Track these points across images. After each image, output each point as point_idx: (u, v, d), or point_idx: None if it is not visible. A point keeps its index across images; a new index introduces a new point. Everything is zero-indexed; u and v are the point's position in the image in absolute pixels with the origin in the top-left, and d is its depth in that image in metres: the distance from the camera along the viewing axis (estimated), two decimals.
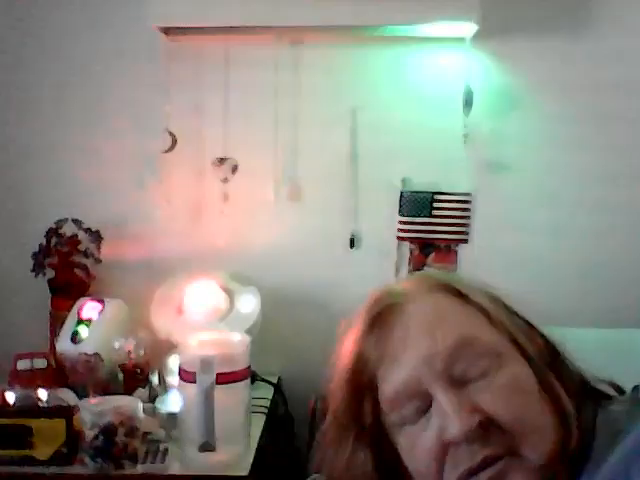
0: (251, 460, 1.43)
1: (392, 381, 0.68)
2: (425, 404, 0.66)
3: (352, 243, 1.96)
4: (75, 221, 1.93)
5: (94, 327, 1.75)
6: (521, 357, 0.68)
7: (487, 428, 0.62)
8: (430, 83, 1.91)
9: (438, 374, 0.66)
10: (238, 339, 1.46)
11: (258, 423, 1.60)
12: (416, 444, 0.66)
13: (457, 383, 0.65)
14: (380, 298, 0.73)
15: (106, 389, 1.64)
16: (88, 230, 1.93)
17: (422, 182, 1.94)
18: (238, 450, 1.41)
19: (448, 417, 0.63)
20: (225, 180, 1.92)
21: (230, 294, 1.83)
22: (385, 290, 0.75)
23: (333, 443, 0.74)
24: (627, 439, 0.60)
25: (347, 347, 0.73)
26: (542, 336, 0.72)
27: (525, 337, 0.70)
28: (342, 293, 1.89)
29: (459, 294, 0.72)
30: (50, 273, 1.91)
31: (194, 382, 1.34)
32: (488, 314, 0.70)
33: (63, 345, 1.71)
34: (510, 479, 0.62)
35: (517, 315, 0.73)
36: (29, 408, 1.45)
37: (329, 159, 1.95)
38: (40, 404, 1.46)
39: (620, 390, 0.73)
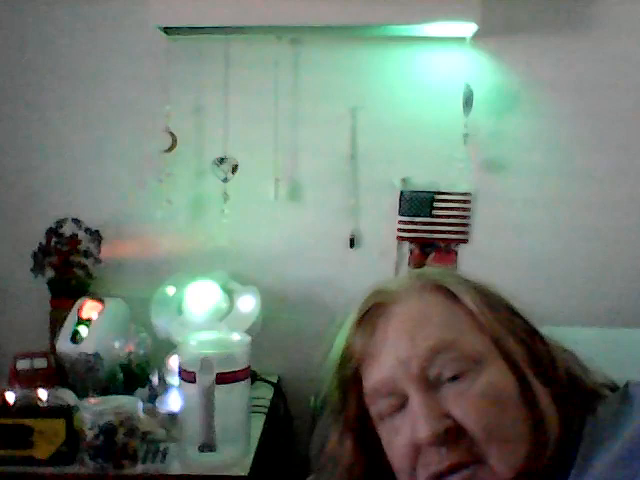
0: (251, 460, 1.43)
1: (371, 379, 0.70)
2: (401, 402, 0.68)
3: (352, 243, 1.96)
4: (75, 221, 1.93)
5: (94, 327, 1.74)
6: (503, 362, 0.68)
7: (456, 435, 0.63)
8: (430, 83, 1.91)
9: (413, 376, 0.67)
10: (238, 339, 1.46)
11: (258, 423, 1.60)
12: (393, 440, 0.68)
13: (431, 386, 0.66)
14: (371, 296, 0.75)
15: (106, 389, 1.64)
16: (88, 230, 1.93)
17: (422, 182, 1.94)
18: (238, 450, 1.41)
19: (417, 418, 0.65)
20: (225, 180, 1.92)
21: (230, 294, 1.83)
22: (377, 288, 0.76)
23: (327, 427, 0.77)
24: (614, 445, 0.60)
25: (338, 340, 0.75)
26: (536, 334, 0.72)
27: (513, 339, 0.69)
28: (342, 293, 1.89)
29: (450, 295, 0.72)
30: (50, 273, 1.91)
31: (194, 382, 1.34)
32: (475, 317, 0.70)
33: (63, 345, 1.71)
34: None
35: (510, 316, 0.72)
36: (29, 408, 1.44)
37: (329, 159, 1.95)
38: (40, 404, 1.46)
39: (616, 389, 0.73)
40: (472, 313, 0.70)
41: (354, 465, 0.73)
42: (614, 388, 0.72)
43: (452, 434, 0.63)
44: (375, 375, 0.70)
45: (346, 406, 0.73)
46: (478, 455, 0.63)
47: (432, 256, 1.95)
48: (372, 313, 0.73)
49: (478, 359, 0.67)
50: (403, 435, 0.66)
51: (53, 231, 1.92)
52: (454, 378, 0.66)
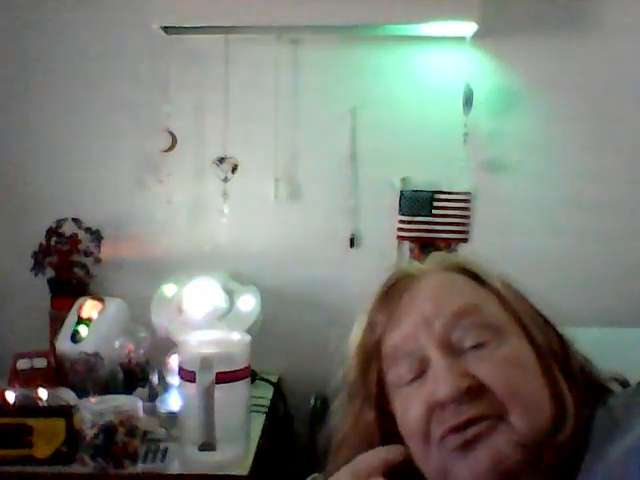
0: (251, 460, 1.43)
1: (392, 338, 0.71)
2: (420, 367, 0.68)
3: (352, 243, 1.96)
4: (75, 220, 1.93)
5: (94, 326, 1.74)
6: (524, 338, 0.69)
7: (476, 394, 0.63)
8: (430, 82, 1.91)
9: (435, 336, 0.67)
10: (238, 338, 1.46)
11: (258, 422, 1.60)
12: (409, 407, 0.68)
13: (453, 350, 0.67)
14: (396, 272, 0.76)
15: (106, 388, 1.64)
16: (88, 229, 1.93)
17: (422, 181, 1.94)
18: (238, 449, 1.41)
19: (439, 378, 0.65)
20: (225, 180, 1.92)
21: (230, 293, 1.83)
22: (403, 267, 0.77)
23: (342, 407, 0.76)
24: (627, 437, 0.60)
25: (360, 318, 0.75)
26: (553, 329, 0.73)
27: (534, 325, 0.70)
28: (342, 293, 1.89)
29: (475, 277, 0.73)
30: (50, 272, 1.91)
31: (194, 381, 1.34)
32: (501, 297, 0.71)
33: (63, 344, 1.71)
34: (495, 441, 0.62)
35: (531, 306, 0.73)
36: (29, 407, 1.45)
37: (329, 158, 1.95)
38: (40, 403, 1.46)
39: (627, 385, 0.73)
40: (497, 293, 0.72)
41: (375, 438, 0.72)
42: (624, 382, 0.73)
43: (473, 392, 0.63)
44: (398, 334, 0.70)
45: (367, 379, 0.73)
46: (499, 412, 0.63)
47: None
48: (396, 286, 0.74)
49: (500, 329, 0.68)
50: (419, 400, 0.66)
51: (53, 231, 1.92)
52: (476, 347, 0.66)
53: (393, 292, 0.73)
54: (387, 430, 0.71)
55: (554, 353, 0.70)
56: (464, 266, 0.75)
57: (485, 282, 0.73)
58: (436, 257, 0.80)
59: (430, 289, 0.72)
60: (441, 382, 0.64)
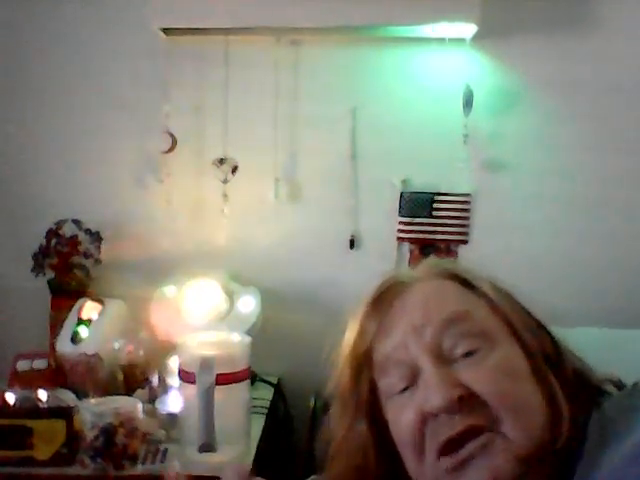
0: (251, 460, 1.43)
1: (383, 347, 0.70)
2: (412, 376, 0.67)
3: (352, 243, 1.96)
4: (75, 222, 1.93)
5: (94, 327, 1.75)
6: (516, 344, 0.68)
7: (468, 403, 0.63)
8: (430, 83, 1.91)
9: (426, 345, 0.67)
10: (238, 339, 1.46)
11: (258, 423, 1.60)
12: (401, 416, 0.67)
13: (444, 358, 0.66)
14: (387, 280, 0.76)
15: (106, 390, 1.64)
16: (88, 231, 1.93)
17: (422, 183, 1.94)
18: (238, 451, 1.41)
19: (430, 387, 0.64)
20: (225, 181, 1.92)
21: (230, 294, 1.83)
22: (393, 273, 0.77)
23: (336, 415, 0.76)
24: (624, 443, 0.59)
25: (351, 325, 0.75)
26: (546, 332, 0.72)
27: (526, 330, 0.70)
28: (342, 293, 1.88)
29: (466, 283, 0.73)
30: (50, 274, 1.91)
31: (194, 383, 1.34)
32: (491, 302, 0.71)
33: (63, 345, 1.71)
34: (492, 457, 0.61)
35: (523, 310, 0.73)
36: (29, 409, 1.44)
37: (329, 159, 1.95)
38: (40, 405, 1.46)
39: (622, 387, 0.73)
40: (487, 298, 0.71)
41: (368, 447, 0.72)
42: (619, 384, 0.72)
43: (465, 402, 0.63)
44: (388, 343, 0.70)
45: (358, 387, 0.73)
46: (492, 422, 0.62)
47: (432, 257, 1.95)
48: (387, 293, 0.74)
49: (491, 336, 0.67)
50: (411, 409, 0.66)
51: (53, 232, 1.92)
52: (467, 355, 0.66)
53: (384, 299, 0.73)
54: (381, 439, 0.71)
55: (547, 356, 0.69)
56: (454, 272, 0.75)
57: (475, 287, 0.73)
58: (428, 263, 0.80)
59: (420, 297, 0.72)
60: (432, 392, 0.64)
